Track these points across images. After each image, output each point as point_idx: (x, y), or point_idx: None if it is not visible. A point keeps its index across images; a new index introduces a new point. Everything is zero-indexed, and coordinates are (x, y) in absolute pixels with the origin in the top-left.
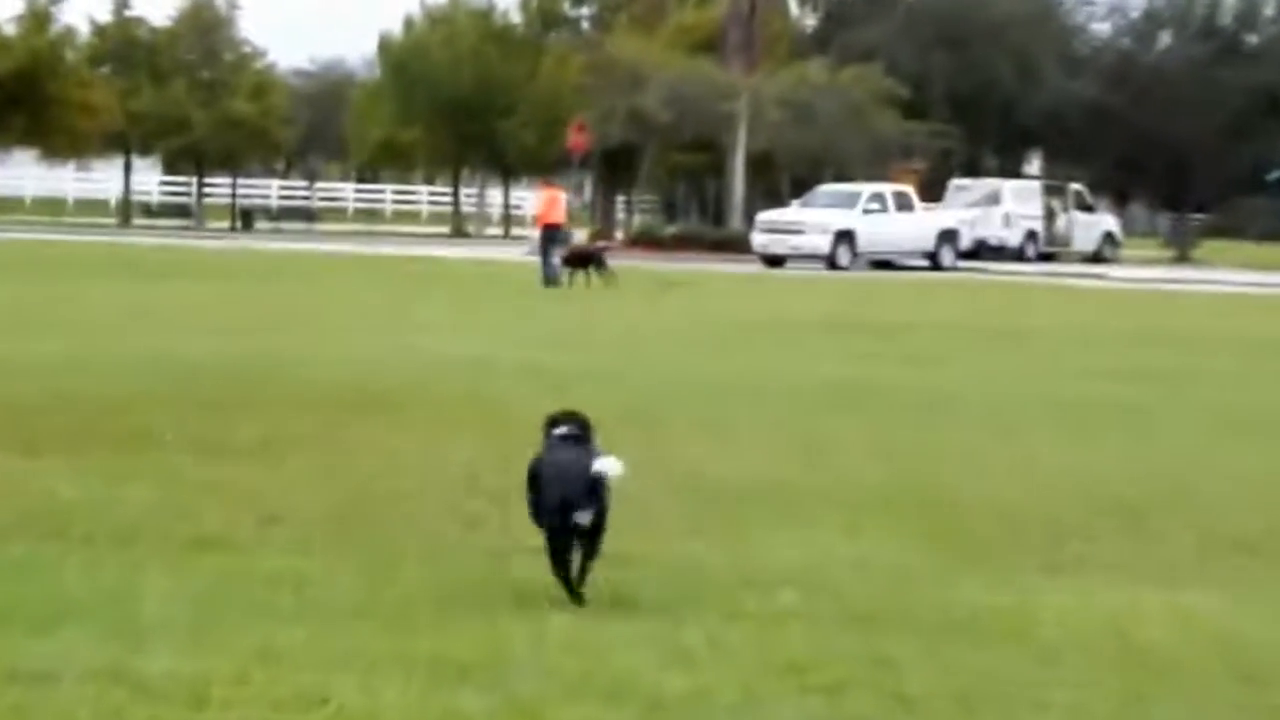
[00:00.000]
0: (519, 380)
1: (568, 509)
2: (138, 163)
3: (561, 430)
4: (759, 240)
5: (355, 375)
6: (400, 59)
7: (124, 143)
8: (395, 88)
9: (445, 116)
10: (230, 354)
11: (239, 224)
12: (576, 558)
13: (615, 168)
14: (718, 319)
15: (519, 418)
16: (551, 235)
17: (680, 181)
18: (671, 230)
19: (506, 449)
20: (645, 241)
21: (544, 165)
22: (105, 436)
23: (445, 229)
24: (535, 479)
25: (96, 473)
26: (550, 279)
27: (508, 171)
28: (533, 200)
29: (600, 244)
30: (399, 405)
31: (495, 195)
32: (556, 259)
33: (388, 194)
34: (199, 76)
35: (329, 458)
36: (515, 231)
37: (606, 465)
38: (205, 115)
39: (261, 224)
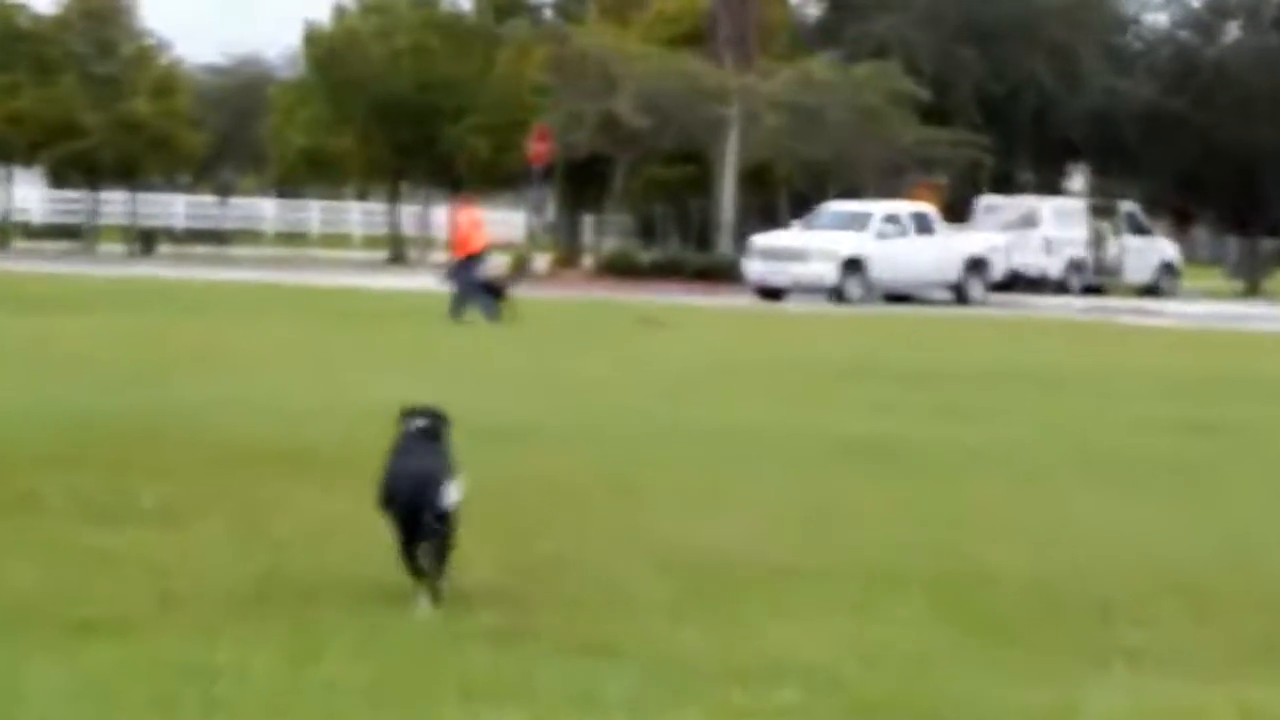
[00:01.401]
0: (469, 437)
1: (415, 518)
2: (17, 174)
3: (418, 423)
4: (755, 269)
5: (274, 428)
6: (328, 54)
7: (1, 150)
8: (322, 87)
9: (382, 121)
10: (126, 403)
11: (138, 247)
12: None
13: (582, 182)
14: (705, 363)
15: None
16: (471, 265)
17: (659, 199)
18: (649, 256)
19: None
20: (618, 269)
21: (499, 178)
22: (60, 499)
23: (382, 254)
24: (385, 482)
25: None
26: (475, 313)
27: (456, 186)
28: (450, 221)
29: (507, 274)
30: (325, 463)
31: (440, 214)
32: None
33: (313, 212)
34: (91, 72)
35: (241, 525)
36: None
37: (450, 497)
38: (99, 118)
39: (165, 247)
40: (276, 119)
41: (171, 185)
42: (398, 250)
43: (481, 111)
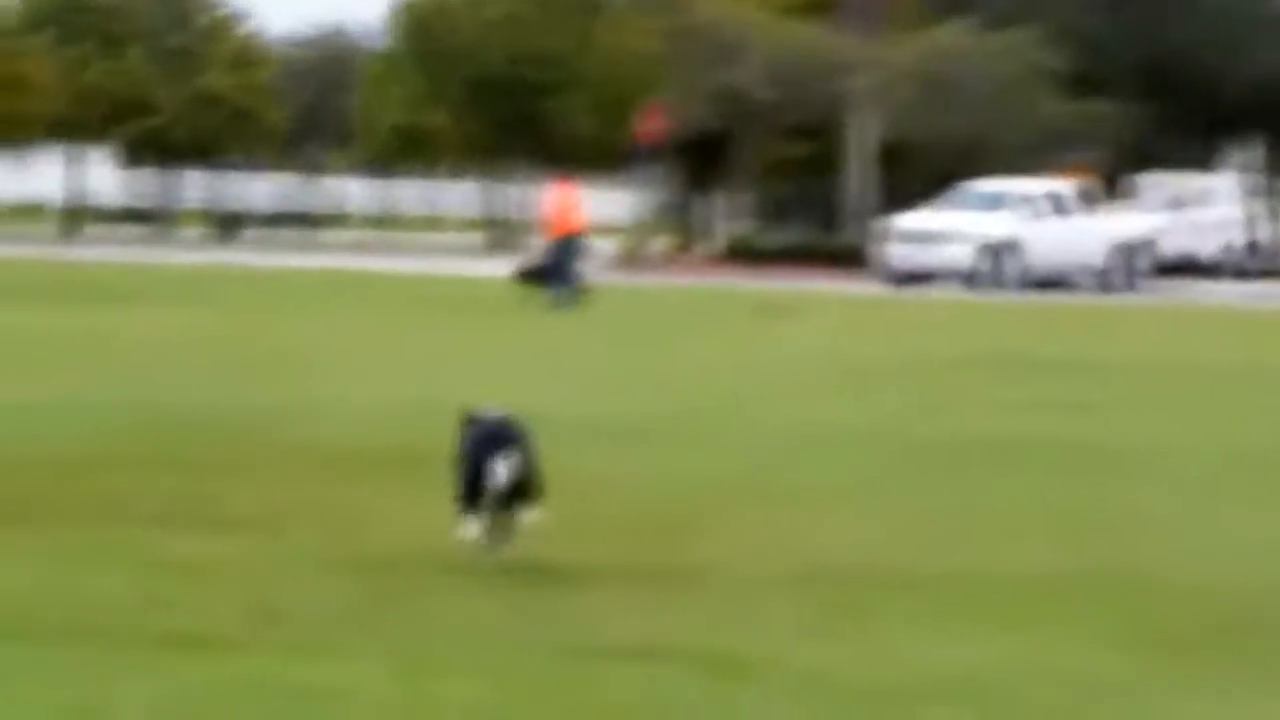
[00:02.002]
0: (581, 437)
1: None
2: (88, 154)
3: (483, 420)
4: (893, 253)
5: (367, 427)
6: (417, 25)
7: (69, 129)
8: (414, 61)
9: (477, 97)
10: (209, 401)
11: (218, 232)
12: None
13: (700, 161)
14: (836, 354)
15: (581, 482)
16: (569, 246)
17: (783, 179)
18: (773, 240)
19: (566, 522)
20: (740, 254)
21: (607, 157)
22: (58, 507)
23: (479, 237)
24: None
25: (48, 553)
26: (561, 300)
27: (558, 165)
28: (558, 200)
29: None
30: (423, 466)
31: (544, 196)
32: (572, 276)
33: (407, 193)
34: (164, 45)
35: (337, 532)
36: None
37: (500, 473)
38: (172, 93)
39: (247, 231)
40: (366, 94)
41: (253, 165)
42: (497, 234)
43: (584, 86)
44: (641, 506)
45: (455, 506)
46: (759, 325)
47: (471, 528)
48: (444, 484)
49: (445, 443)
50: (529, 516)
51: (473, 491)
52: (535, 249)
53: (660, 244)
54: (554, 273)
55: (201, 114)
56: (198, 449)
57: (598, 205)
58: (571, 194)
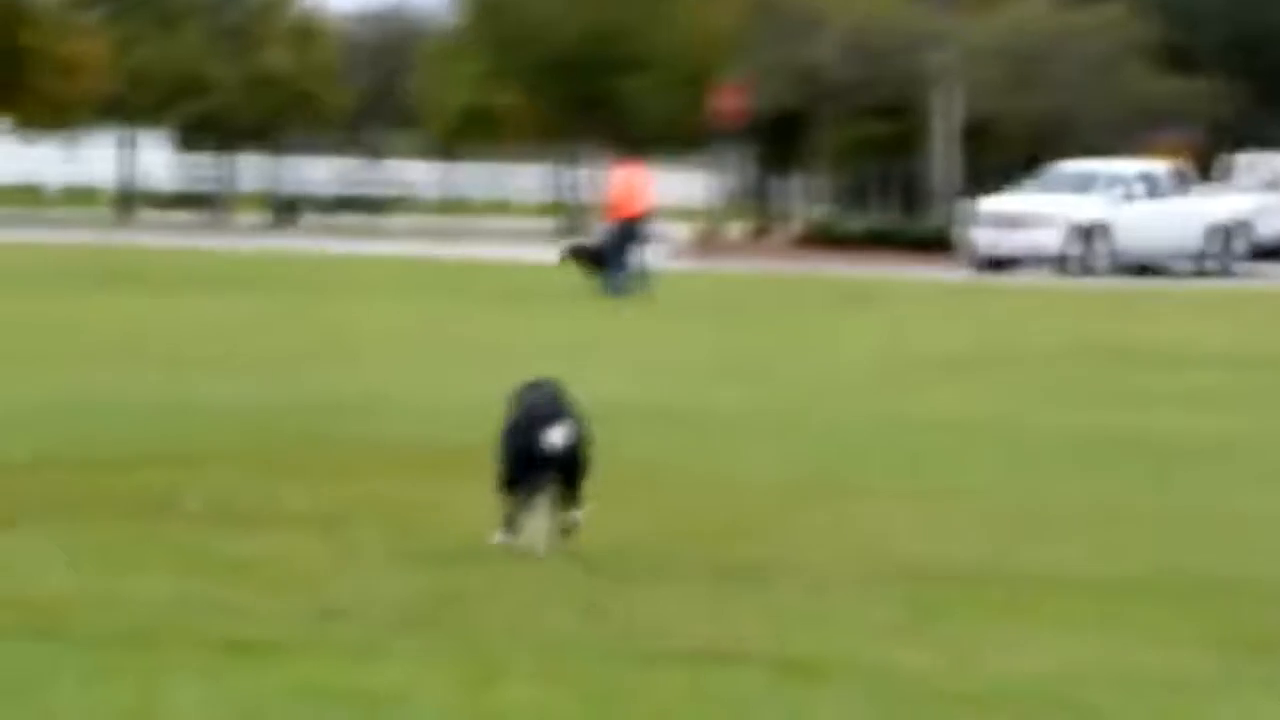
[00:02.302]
0: (657, 428)
1: (536, 429)
2: (141, 137)
3: (533, 396)
4: (980, 237)
5: (431, 423)
6: (486, 1)
7: (122, 110)
8: (481, 38)
9: (549, 76)
10: (266, 394)
11: (278, 217)
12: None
13: (780, 142)
14: (921, 344)
15: (656, 477)
16: (632, 230)
17: (866, 160)
18: (855, 224)
19: (639, 518)
20: (820, 238)
21: (684, 138)
22: (106, 503)
23: (551, 222)
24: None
25: (97, 551)
26: (614, 286)
27: (635, 147)
28: (621, 182)
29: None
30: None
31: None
32: (633, 261)
33: (475, 177)
34: (220, 22)
35: (399, 531)
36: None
37: (555, 437)
38: (230, 72)
39: (308, 217)
40: (429, 73)
41: (314, 147)
42: (570, 219)
43: (661, 64)
44: (713, 502)
45: (498, 496)
46: (838, 313)
47: (506, 535)
48: None
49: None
50: (576, 514)
51: (519, 471)
52: (596, 231)
53: (736, 229)
54: (611, 257)
55: (259, 95)
56: (252, 443)
57: (672, 188)
58: (636, 176)
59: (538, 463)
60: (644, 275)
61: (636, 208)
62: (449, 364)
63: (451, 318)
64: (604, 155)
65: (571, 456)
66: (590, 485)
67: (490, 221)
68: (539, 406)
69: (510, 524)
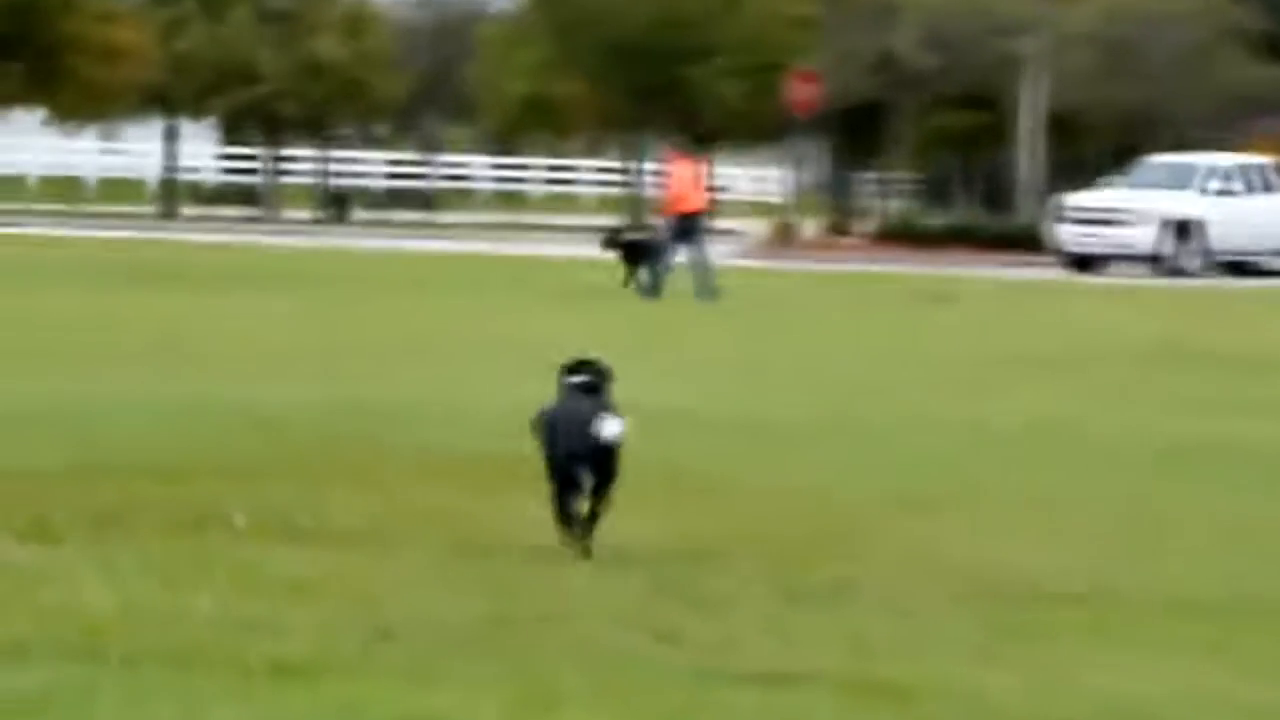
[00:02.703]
0: (724, 438)
1: (574, 463)
2: (185, 128)
3: (576, 379)
4: (1067, 234)
5: (494, 433)
6: None
7: (165, 100)
8: (544, 23)
9: (615, 63)
10: (317, 400)
11: (329, 213)
12: (584, 507)
13: (856, 134)
14: (1003, 347)
15: (722, 490)
16: (690, 226)
17: (947, 153)
18: (936, 220)
19: (704, 534)
20: (900, 235)
21: (755, 130)
22: (148, 515)
23: (616, 219)
24: (546, 429)
25: (138, 567)
26: (652, 287)
27: (704, 139)
28: (683, 176)
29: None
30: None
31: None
32: (675, 259)
33: (536, 170)
34: (268, 7)
35: (457, 546)
36: (719, 223)
37: (608, 428)
38: (278, 60)
39: (360, 212)
40: (488, 61)
41: (366, 139)
42: (636, 215)
43: (731, 51)
44: (787, 515)
45: (552, 499)
46: (920, 313)
47: (567, 534)
48: None
49: None
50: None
51: (568, 473)
52: (651, 224)
53: (812, 225)
54: (661, 254)
55: (309, 83)
56: (301, 452)
57: (743, 182)
58: (692, 169)
59: (580, 457)
60: (707, 273)
61: (694, 203)
62: (504, 366)
63: (508, 318)
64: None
65: (608, 454)
66: (653, 499)
67: (550, 217)
68: (580, 397)
69: (567, 521)
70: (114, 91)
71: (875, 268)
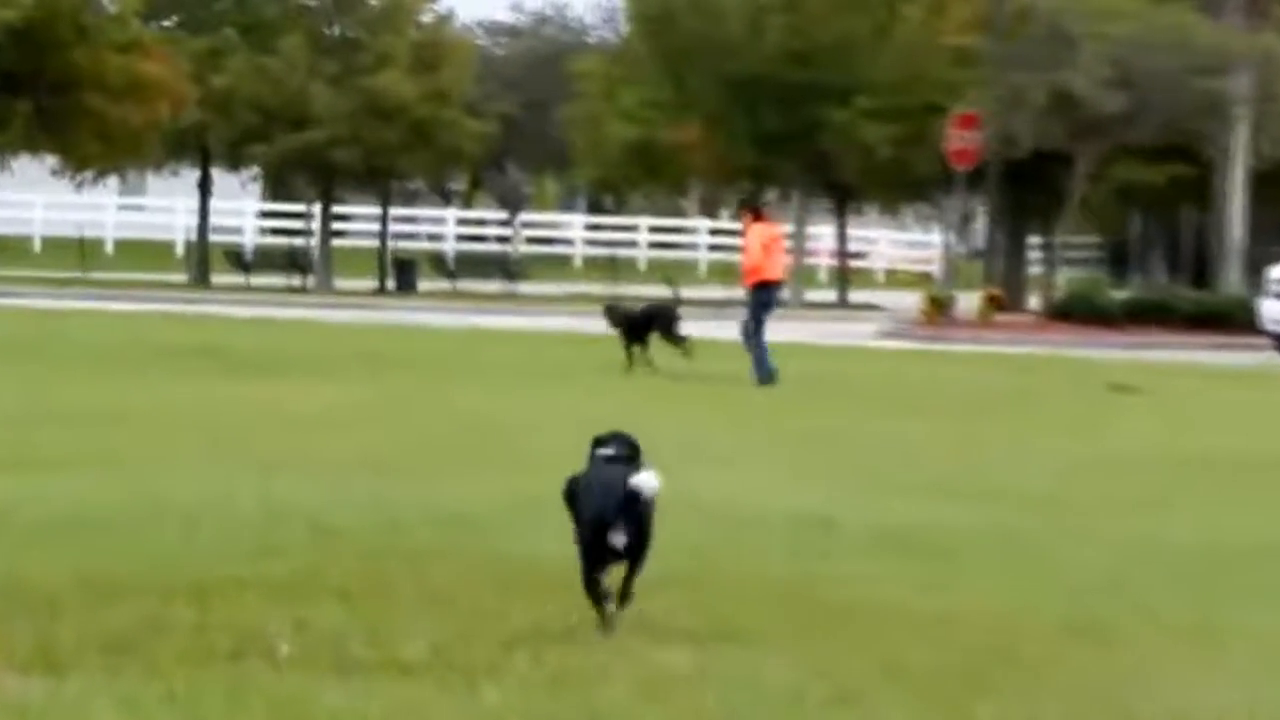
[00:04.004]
0: (864, 549)
1: (601, 527)
2: (222, 180)
3: (607, 451)
4: (1271, 311)
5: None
6: (662, 12)
7: (199, 146)
8: (653, 56)
9: (738, 103)
10: (381, 504)
11: (393, 281)
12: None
13: (1026, 190)
14: (1203, 445)
15: (865, 611)
16: (767, 299)
17: (1136, 213)
18: (1120, 294)
19: (848, 665)
20: (1077, 312)
21: (903, 184)
22: (176, 641)
23: (740, 290)
24: (573, 497)
25: (161, 704)
26: (763, 370)
27: (844, 194)
28: (760, 241)
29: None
30: (667, 590)
31: (823, 233)
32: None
33: (642, 233)
34: (325, 37)
35: (550, 681)
36: (857, 295)
37: (643, 481)
38: (336, 99)
39: (429, 282)
40: (587, 101)
41: (438, 195)
42: None
43: (877, 90)
44: (939, 645)
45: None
46: (1099, 406)
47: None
48: (694, 611)
49: (697, 557)
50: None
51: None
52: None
53: (973, 298)
54: (753, 332)
55: (371, 127)
56: (361, 566)
57: (889, 247)
58: (767, 232)
59: (609, 521)
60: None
61: (775, 272)
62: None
63: (604, 408)
64: (808, 203)
65: (640, 512)
66: (781, 626)
67: (657, 289)
68: (610, 470)
69: (595, 593)
70: (137, 135)
71: (1045, 350)
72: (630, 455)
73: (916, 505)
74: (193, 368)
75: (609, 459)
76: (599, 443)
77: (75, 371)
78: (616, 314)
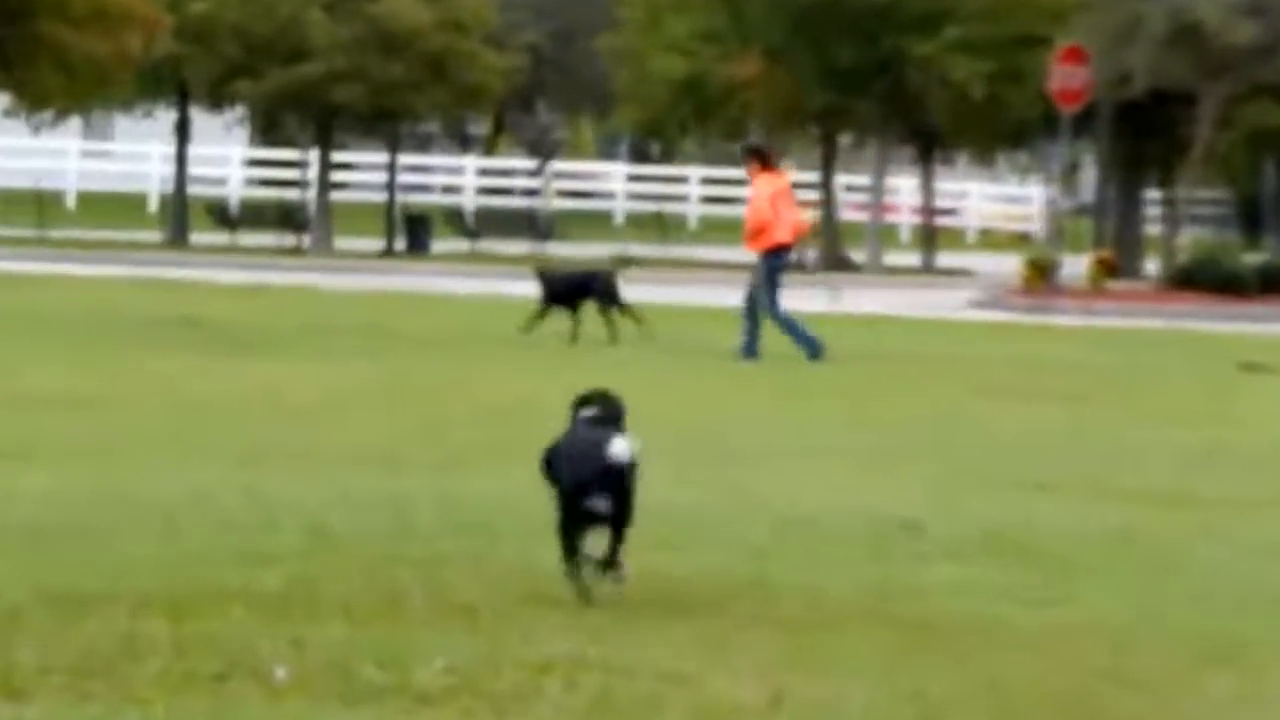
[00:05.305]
0: (963, 556)
1: (580, 493)
2: (203, 122)
3: (589, 412)
4: None
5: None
6: None
7: (175, 82)
8: None
9: (806, 35)
10: (395, 501)
11: (402, 240)
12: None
13: (1142, 138)
14: None
15: (969, 628)
16: (780, 264)
17: (1272, 163)
18: (1252, 258)
19: (947, 689)
20: (1200, 279)
21: (997, 129)
22: (150, 665)
23: (810, 252)
24: (549, 467)
25: None
26: (814, 346)
27: (929, 141)
28: (768, 196)
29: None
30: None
31: (903, 186)
32: (779, 308)
33: (692, 185)
34: None
35: (592, 711)
36: (945, 259)
37: (619, 448)
38: (335, 28)
39: (444, 242)
40: (630, 32)
41: (456, 141)
42: (831, 248)
43: (968, 19)
44: (1051, 667)
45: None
46: (1229, 388)
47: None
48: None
49: (753, 570)
50: (623, 570)
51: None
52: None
53: (1080, 262)
54: (757, 304)
55: (378, 61)
56: (370, 575)
57: (982, 203)
58: (777, 183)
59: (589, 485)
60: (757, 323)
61: (784, 234)
62: (651, 455)
63: (652, 389)
64: (887, 151)
65: (620, 478)
66: (870, 644)
67: (711, 249)
68: (591, 428)
69: (573, 561)
70: (103, 69)
71: (1165, 323)
72: (614, 417)
73: (1016, 503)
74: (170, 343)
75: (590, 420)
76: (583, 402)
77: (32, 348)
78: (547, 280)
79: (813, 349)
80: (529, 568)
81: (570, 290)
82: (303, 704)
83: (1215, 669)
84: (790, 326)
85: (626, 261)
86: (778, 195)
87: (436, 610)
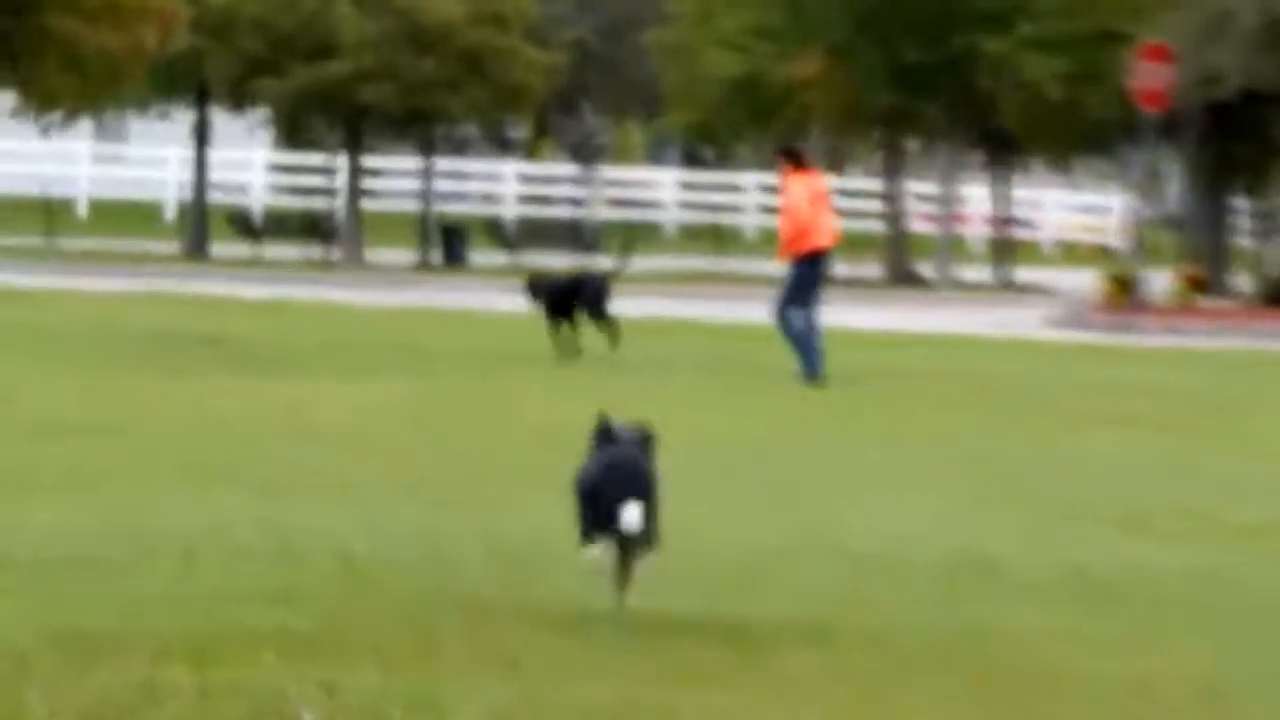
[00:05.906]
0: (1048, 597)
1: (607, 498)
2: (223, 125)
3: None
4: None
5: (692, 591)
6: None
7: (194, 81)
8: None
9: (869, 31)
10: (431, 536)
11: (433, 255)
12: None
13: (1232, 140)
14: None
15: (1054, 676)
16: (818, 273)
17: None
18: None
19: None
20: None
21: (1074, 132)
22: (167, 712)
23: (877, 265)
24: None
25: None
26: (811, 365)
27: (1002, 146)
28: (802, 200)
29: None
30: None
31: (973, 195)
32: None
33: (750, 193)
34: None
35: None
36: (1020, 273)
37: (629, 516)
38: (365, 23)
39: (482, 254)
40: (682, 30)
41: (494, 145)
42: (898, 262)
43: (1044, 14)
44: (1134, 717)
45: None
46: None
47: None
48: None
49: (819, 612)
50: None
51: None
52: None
53: (1166, 277)
54: (794, 317)
55: (411, 58)
56: (405, 615)
57: (1058, 213)
58: (814, 185)
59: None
60: (813, 339)
61: (825, 237)
62: (697, 488)
63: (704, 416)
64: (955, 154)
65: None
66: (948, 695)
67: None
68: (618, 471)
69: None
70: (117, 66)
71: (1256, 343)
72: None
73: (1100, 541)
74: (187, 362)
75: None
76: (604, 432)
77: (39, 368)
78: (539, 288)
79: (811, 371)
80: (573, 607)
81: (565, 297)
82: None
83: None
84: (799, 341)
85: (615, 272)
86: (815, 198)
87: (473, 653)
